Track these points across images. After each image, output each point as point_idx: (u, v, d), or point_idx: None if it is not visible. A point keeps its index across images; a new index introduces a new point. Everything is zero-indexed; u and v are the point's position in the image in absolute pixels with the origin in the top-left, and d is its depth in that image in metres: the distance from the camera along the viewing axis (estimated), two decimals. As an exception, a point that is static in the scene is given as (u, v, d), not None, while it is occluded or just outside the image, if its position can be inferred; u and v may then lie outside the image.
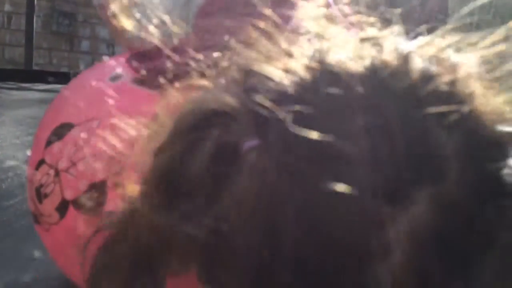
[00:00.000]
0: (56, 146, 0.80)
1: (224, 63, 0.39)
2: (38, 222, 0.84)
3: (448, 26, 0.36)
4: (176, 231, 0.34)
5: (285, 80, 0.32)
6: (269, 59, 0.35)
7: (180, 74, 0.43)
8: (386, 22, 0.38)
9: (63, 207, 0.77)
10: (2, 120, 2.57)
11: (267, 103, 0.31)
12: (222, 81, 0.36)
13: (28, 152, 0.90)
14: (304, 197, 0.30)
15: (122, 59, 0.88)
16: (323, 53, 0.33)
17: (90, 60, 4.59)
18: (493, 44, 0.35)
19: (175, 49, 0.50)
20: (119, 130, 0.41)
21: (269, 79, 0.33)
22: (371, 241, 0.29)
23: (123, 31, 0.87)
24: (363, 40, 0.35)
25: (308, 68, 0.33)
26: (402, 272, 0.30)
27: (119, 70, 0.86)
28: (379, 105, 0.31)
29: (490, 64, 0.35)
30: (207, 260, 0.34)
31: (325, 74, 0.32)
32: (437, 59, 0.33)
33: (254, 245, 0.31)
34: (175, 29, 0.61)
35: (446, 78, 0.32)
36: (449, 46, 0.35)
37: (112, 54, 4.62)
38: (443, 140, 0.31)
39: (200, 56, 0.42)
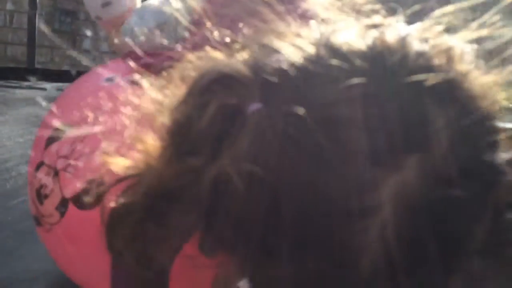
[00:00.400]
0: (54, 146, 0.82)
1: (237, 37, 0.43)
2: (40, 224, 0.86)
3: (445, 10, 0.39)
4: (182, 182, 0.37)
5: (292, 54, 0.36)
6: (279, 35, 0.38)
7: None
8: (390, 10, 0.41)
9: (63, 206, 0.79)
10: (5, 119, 2.59)
11: (274, 72, 0.35)
12: (234, 51, 0.40)
13: (32, 152, 0.92)
14: (300, 157, 0.33)
15: (118, 62, 0.90)
16: (328, 34, 0.37)
17: (92, 58, 4.60)
18: (485, 25, 0.38)
19: (193, 22, 0.53)
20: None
21: (278, 51, 0.36)
22: (361, 200, 0.32)
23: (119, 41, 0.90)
24: (366, 26, 0.38)
25: (314, 44, 0.36)
26: (390, 234, 0.32)
27: (113, 73, 0.89)
28: (375, 76, 0.33)
29: (482, 45, 0.38)
30: (207, 212, 0.37)
31: (328, 49, 0.35)
32: (433, 40, 0.36)
33: (251, 200, 0.34)
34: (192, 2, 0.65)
35: (440, 56, 0.35)
36: (444, 28, 0.38)
37: (113, 52, 4.64)
38: (434, 112, 0.33)
39: (213, 31, 0.46)
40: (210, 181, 0.35)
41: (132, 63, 0.81)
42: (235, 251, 0.38)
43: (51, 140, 0.84)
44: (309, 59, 0.35)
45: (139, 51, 0.75)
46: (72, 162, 0.78)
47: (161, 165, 0.40)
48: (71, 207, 0.78)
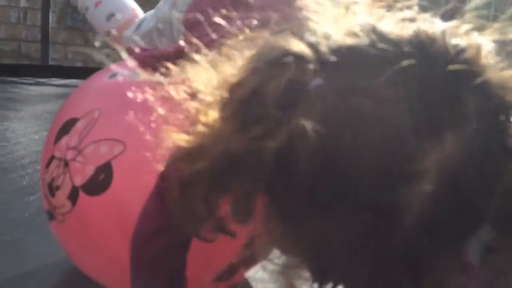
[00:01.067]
0: (64, 140, 0.87)
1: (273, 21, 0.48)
2: (53, 217, 0.90)
3: (470, 13, 0.45)
4: (247, 149, 0.42)
5: (346, 38, 0.41)
6: (331, 22, 0.44)
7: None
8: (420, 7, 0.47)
9: (73, 195, 0.84)
10: (20, 116, 2.62)
11: (332, 52, 0.41)
12: (291, 33, 0.45)
13: (43, 149, 0.94)
14: (356, 128, 0.38)
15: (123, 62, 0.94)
16: (372, 22, 0.43)
17: (104, 55, 4.63)
18: (505, 28, 0.44)
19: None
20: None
21: (329, 35, 0.42)
22: (408, 167, 0.37)
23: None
24: (403, 19, 0.44)
25: (362, 30, 0.42)
26: (429, 201, 0.37)
27: (115, 70, 0.94)
28: (420, 62, 0.39)
29: (503, 44, 0.44)
30: (269, 177, 0.41)
31: (378, 35, 0.41)
32: (464, 37, 0.42)
33: (311, 166, 0.39)
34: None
35: (471, 50, 0.41)
36: (473, 28, 0.43)
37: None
38: (467, 96, 0.39)
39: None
40: (275, 148, 0.40)
41: (132, 59, 0.87)
42: (291, 213, 0.42)
43: (60, 134, 0.89)
44: (363, 43, 0.41)
45: (137, 49, 0.84)
46: (80, 151, 0.83)
47: (227, 134, 0.44)
48: (82, 194, 0.83)
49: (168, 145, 0.49)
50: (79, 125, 0.87)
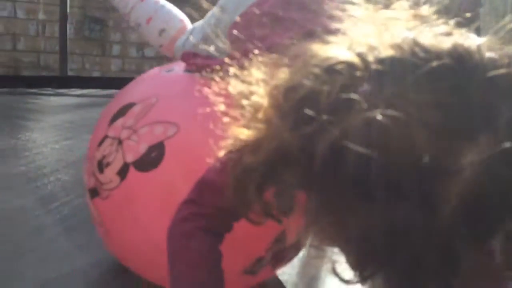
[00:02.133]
0: (120, 121, 0.93)
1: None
2: (97, 194, 0.94)
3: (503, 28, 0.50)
4: (298, 148, 0.47)
5: (390, 50, 0.47)
6: (374, 35, 0.49)
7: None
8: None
9: (124, 170, 0.89)
10: (41, 126, 2.68)
11: (379, 62, 0.46)
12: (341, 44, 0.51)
13: (94, 132, 0.99)
14: (400, 127, 0.43)
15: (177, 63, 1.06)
16: (412, 35, 0.48)
17: (121, 64, 4.70)
18: None
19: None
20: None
21: (374, 47, 0.48)
22: (444, 163, 0.42)
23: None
24: (440, 33, 0.49)
25: (404, 43, 0.47)
26: (466, 194, 0.41)
27: (172, 66, 1.04)
28: (459, 72, 0.44)
29: None
30: (320, 173, 0.46)
31: (419, 47, 0.46)
32: (499, 51, 0.47)
33: (359, 162, 0.43)
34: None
35: (506, 62, 0.45)
36: (504, 42, 0.48)
37: (141, 57, 4.72)
38: (501, 102, 0.43)
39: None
40: (326, 146, 0.45)
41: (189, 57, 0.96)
42: (337, 205, 0.46)
43: (116, 117, 0.95)
44: (406, 54, 0.46)
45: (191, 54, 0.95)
46: (135, 130, 0.89)
47: (282, 131, 0.49)
48: (132, 170, 0.88)
49: (227, 136, 0.55)
50: (136, 108, 0.93)
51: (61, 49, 4.31)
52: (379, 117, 0.43)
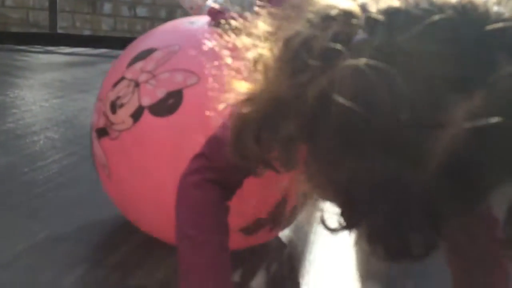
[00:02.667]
0: (139, 64, 0.93)
1: None
2: (106, 134, 0.94)
3: None
4: (291, 96, 0.48)
5: (395, 1, 0.45)
6: None
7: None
8: None
9: (138, 113, 0.89)
10: (30, 84, 2.64)
11: (379, 12, 0.45)
12: None
13: (110, 74, 1.00)
14: (391, 76, 0.42)
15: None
16: None
17: (113, 23, 4.61)
18: None
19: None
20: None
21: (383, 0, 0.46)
22: (434, 115, 0.41)
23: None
24: None
25: None
26: (454, 149, 0.40)
27: (194, 19, 1.05)
28: (461, 24, 0.43)
29: None
30: (311, 122, 0.47)
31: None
32: (506, 5, 0.45)
33: (346, 111, 0.43)
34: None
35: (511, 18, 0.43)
36: None
37: (133, 16, 4.63)
38: (503, 57, 0.41)
39: None
40: (315, 93, 0.45)
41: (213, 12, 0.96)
42: (327, 154, 0.47)
43: (135, 60, 0.94)
44: (409, 5, 0.44)
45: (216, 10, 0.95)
46: (155, 75, 0.89)
47: (278, 81, 0.50)
48: (146, 114, 0.89)
49: (231, 91, 0.55)
50: (157, 54, 0.92)
51: (50, 6, 4.21)
52: (363, 66, 0.42)
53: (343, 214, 0.48)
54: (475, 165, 0.42)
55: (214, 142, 0.70)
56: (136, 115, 0.89)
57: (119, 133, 0.91)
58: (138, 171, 0.91)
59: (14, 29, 4.36)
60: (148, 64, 0.91)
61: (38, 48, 3.85)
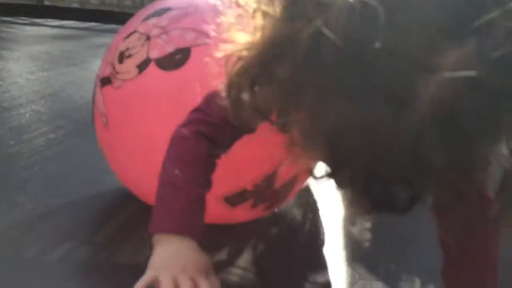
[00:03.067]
0: (153, 20, 0.94)
1: None
2: (109, 82, 0.96)
3: None
4: (285, 38, 0.47)
5: None
6: None
7: None
8: None
9: (144, 64, 0.91)
10: (16, 56, 2.59)
11: None
12: None
13: (125, 26, 0.99)
14: (382, 19, 0.41)
15: None
16: None
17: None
18: None
19: None
20: None
21: None
22: (424, 59, 0.40)
23: None
24: None
25: None
26: (442, 96, 0.40)
27: None
28: None
29: None
30: (304, 61, 0.46)
31: None
32: None
33: (337, 52, 0.43)
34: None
35: None
36: None
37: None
38: (495, 10, 0.40)
39: None
40: (308, 34, 0.44)
41: None
42: (316, 97, 0.46)
43: (150, 16, 0.96)
44: None
45: None
46: (167, 31, 0.91)
47: (275, 25, 0.50)
48: (152, 66, 0.90)
49: (230, 42, 0.56)
50: (173, 12, 0.94)
51: (38, -24, 4.12)
52: (356, 3, 0.42)
53: (329, 161, 0.49)
54: (462, 116, 0.41)
55: (212, 97, 0.69)
56: (142, 66, 0.90)
57: (122, 82, 0.93)
58: (135, 122, 0.92)
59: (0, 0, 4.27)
60: (162, 20, 0.93)
61: (24, 20, 3.77)
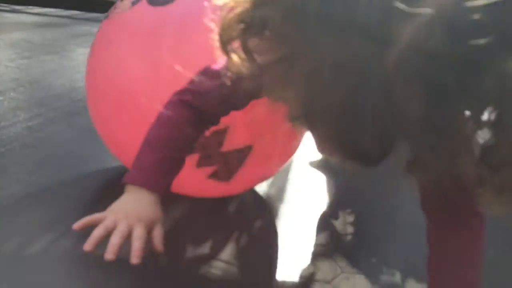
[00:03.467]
0: None
1: None
2: (107, 17, 1.03)
3: None
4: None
5: None
6: None
7: None
8: None
9: (137, 0, 0.96)
10: (-4, 43, 2.53)
11: None
12: None
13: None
14: None
15: None
16: None
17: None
18: None
19: None
20: None
21: None
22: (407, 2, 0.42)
23: None
24: None
25: None
26: (416, 42, 0.41)
27: None
28: None
29: None
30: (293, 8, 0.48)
31: None
32: None
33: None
34: None
35: None
36: None
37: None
38: None
39: None
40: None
41: None
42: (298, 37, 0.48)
43: None
44: None
45: None
46: None
47: None
48: (143, 2, 0.95)
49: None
50: None
51: (19, -37, 4.03)
52: None
53: (303, 105, 0.50)
54: (438, 68, 0.42)
55: (204, 72, 0.72)
56: (135, 2, 0.97)
57: (115, 15, 1.00)
58: (126, 54, 0.95)
59: (-20, -14, 4.18)
60: None
61: (4, 6, 3.69)
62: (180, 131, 0.75)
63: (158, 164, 0.73)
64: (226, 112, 0.76)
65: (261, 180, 1.10)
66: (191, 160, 0.93)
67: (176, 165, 0.75)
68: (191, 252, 0.89)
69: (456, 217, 0.73)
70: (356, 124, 0.46)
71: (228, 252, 0.91)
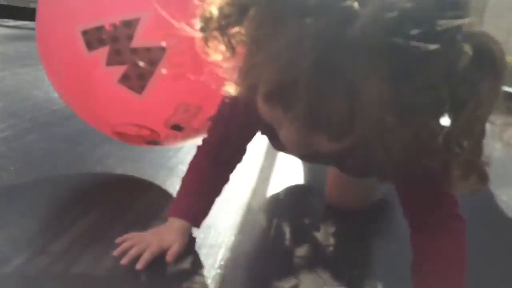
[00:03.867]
0: None
1: None
2: None
3: None
4: None
5: None
6: None
7: None
8: None
9: None
10: (-31, 56, 2.48)
11: None
12: None
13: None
14: None
15: None
16: None
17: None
18: None
19: None
20: None
21: None
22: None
23: None
24: None
25: None
26: (378, 16, 0.46)
27: None
28: None
29: None
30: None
31: None
32: None
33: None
34: None
35: None
36: None
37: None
38: None
39: None
40: None
41: None
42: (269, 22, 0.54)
43: None
44: None
45: None
46: None
47: None
48: None
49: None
50: None
51: (-7, -25, 3.98)
52: None
53: (275, 86, 0.53)
54: (395, 50, 0.46)
55: (215, 118, 0.89)
56: None
57: None
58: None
59: (-48, -2, 4.11)
60: None
61: (-22, 19, 3.63)
62: (205, 177, 0.94)
63: (190, 198, 0.94)
64: (252, 135, 0.90)
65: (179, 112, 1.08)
66: (101, 58, 0.96)
67: (206, 202, 0.95)
68: (171, 267, 0.87)
69: (437, 220, 0.74)
70: (324, 92, 0.49)
71: (209, 267, 0.90)
